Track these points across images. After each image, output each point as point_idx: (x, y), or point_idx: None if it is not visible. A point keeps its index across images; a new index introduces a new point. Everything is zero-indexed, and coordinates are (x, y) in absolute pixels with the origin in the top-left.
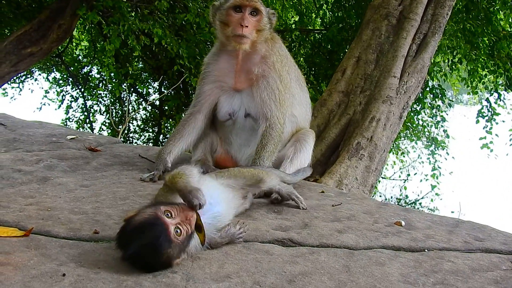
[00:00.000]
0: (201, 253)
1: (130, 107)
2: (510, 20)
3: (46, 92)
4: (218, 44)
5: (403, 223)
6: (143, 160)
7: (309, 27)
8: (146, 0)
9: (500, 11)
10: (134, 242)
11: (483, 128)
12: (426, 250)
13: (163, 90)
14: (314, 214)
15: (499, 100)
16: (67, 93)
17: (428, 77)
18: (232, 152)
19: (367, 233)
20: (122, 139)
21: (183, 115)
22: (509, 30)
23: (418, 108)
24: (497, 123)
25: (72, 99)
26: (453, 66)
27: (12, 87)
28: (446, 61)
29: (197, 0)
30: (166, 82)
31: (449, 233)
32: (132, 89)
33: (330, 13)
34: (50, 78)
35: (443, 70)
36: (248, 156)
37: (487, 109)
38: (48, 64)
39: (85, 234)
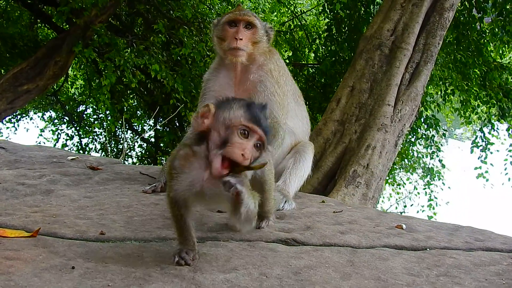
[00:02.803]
0: (207, 250)
1: (126, 145)
2: (500, 52)
3: (42, 130)
4: (217, 59)
5: (404, 226)
6: (144, 177)
7: (303, 62)
8: (141, 36)
9: (490, 43)
10: None
11: (478, 158)
12: (428, 249)
13: (158, 127)
14: (316, 219)
15: (492, 130)
16: (62, 131)
17: (422, 107)
18: None
19: (369, 234)
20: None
21: None
22: (500, 61)
23: (413, 139)
24: (491, 153)
25: (68, 137)
26: (446, 97)
27: (7, 127)
28: (439, 92)
29: (192, 35)
30: (161, 119)
31: (450, 235)
32: (127, 126)
33: (323, 47)
34: (45, 117)
35: (436, 101)
36: None
37: (481, 139)
38: (43, 103)
39: (92, 235)
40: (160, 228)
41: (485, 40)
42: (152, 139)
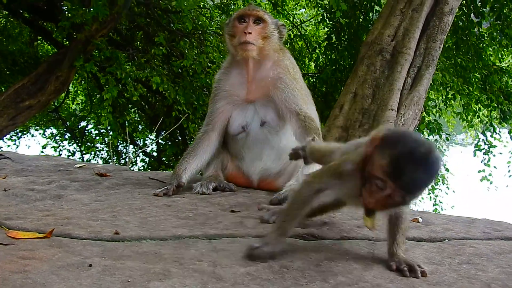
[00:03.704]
0: (225, 246)
1: (128, 159)
2: (499, 55)
3: (43, 147)
4: (229, 58)
5: (420, 219)
6: (153, 182)
7: (304, 71)
8: (142, 49)
9: (489, 47)
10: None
11: (481, 162)
12: (446, 239)
13: (160, 141)
14: (331, 215)
15: (494, 133)
16: (64, 148)
17: (424, 113)
18: (243, 168)
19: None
20: None
21: None
22: (499, 64)
23: None
24: (494, 156)
25: (69, 154)
26: (447, 102)
27: (8, 145)
28: (440, 97)
29: (192, 47)
30: (163, 132)
31: (467, 227)
32: (129, 140)
33: (323, 56)
34: (46, 133)
35: (438, 105)
36: (261, 170)
37: (484, 142)
38: (44, 119)
39: (106, 235)
40: (176, 227)
41: (484, 44)
42: (155, 153)
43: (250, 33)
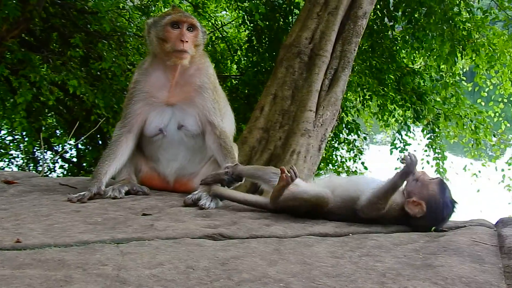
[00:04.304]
0: (132, 249)
1: (46, 166)
2: (411, 58)
3: None
4: (149, 59)
5: None
6: (64, 187)
7: (226, 74)
8: (58, 51)
9: (402, 50)
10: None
11: (397, 159)
12: (350, 234)
13: (80, 146)
14: (241, 215)
15: (409, 132)
16: None
17: (343, 113)
18: (159, 169)
19: (294, 224)
20: None
21: None
22: (412, 66)
23: (336, 145)
24: None
25: None
26: (365, 102)
27: None
28: (358, 98)
29: (111, 49)
30: (83, 137)
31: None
32: (46, 146)
33: (245, 58)
34: None
35: (356, 106)
36: (176, 170)
37: (399, 140)
38: None
39: (7, 244)
40: (82, 232)
41: (398, 47)
42: (74, 159)
43: (187, 41)
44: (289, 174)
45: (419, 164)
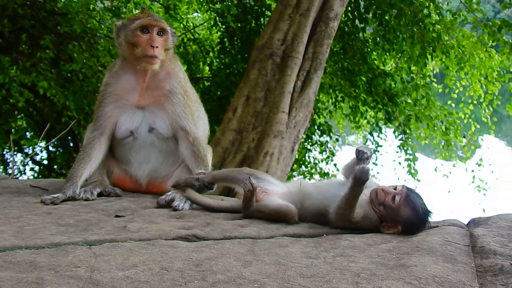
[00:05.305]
0: (104, 251)
1: (16, 169)
2: (382, 59)
3: None
4: (119, 62)
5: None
6: (35, 189)
7: (198, 75)
8: (28, 53)
9: (374, 51)
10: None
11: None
12: (324, 234)
13: (50, 148)
14: (215, 216)
15: (380, 133)
16: None
17: (315, 115)
18: (131, 171)
19: (268, 225)
20: None
21: None
22: (383, 68)
23: (308, 146)
24: (381, 155)
25: None
26: (337, 104)
27: None
28: (330, 99)
29: (82, 50)
30: (54, 140)
31: None
32: (16, 148)
33: (217, 60)
34: None
35: (328, 108)
36: (149, 172)
37: (371, 142)
38: None
39: None
40: (54, 234)
41: (369, 49)
42: (45, 161)
43: (157, 47)
44: (246, 188)
45: (391, 166)
